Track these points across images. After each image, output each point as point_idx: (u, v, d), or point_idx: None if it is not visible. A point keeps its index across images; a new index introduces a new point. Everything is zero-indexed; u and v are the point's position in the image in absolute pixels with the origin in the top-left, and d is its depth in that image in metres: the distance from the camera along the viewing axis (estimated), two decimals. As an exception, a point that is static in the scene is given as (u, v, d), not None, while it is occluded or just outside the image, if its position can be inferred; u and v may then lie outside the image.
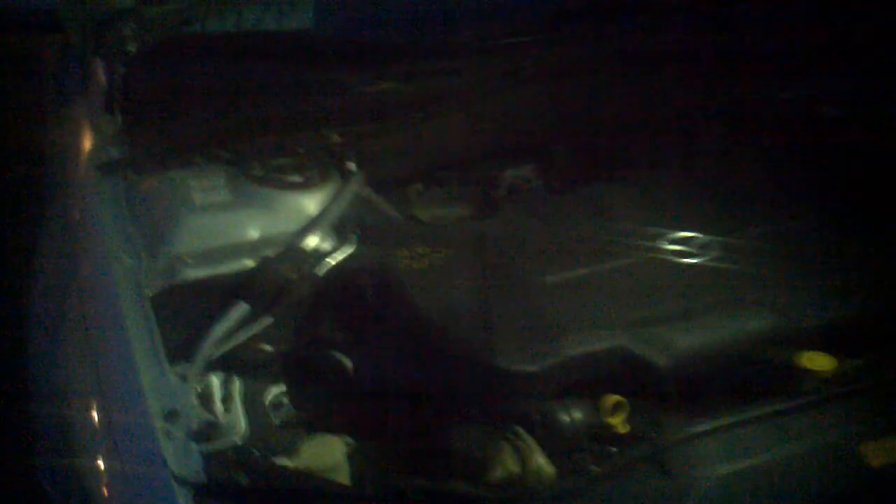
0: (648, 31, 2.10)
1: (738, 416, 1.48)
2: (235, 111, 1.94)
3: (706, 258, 1.74)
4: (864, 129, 2.01)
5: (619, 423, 1.53)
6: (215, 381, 1.65)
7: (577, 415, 1.54)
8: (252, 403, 1.65)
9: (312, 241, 1.76)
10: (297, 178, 1.86)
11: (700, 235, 1.76)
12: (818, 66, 2.11)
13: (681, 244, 1.76)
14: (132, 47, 1.90)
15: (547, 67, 2.02)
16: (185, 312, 1.68)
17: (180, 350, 1.60)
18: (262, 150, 1.89)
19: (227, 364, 1.66)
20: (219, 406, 1.60)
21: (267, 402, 1.69)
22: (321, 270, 1.74)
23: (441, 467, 1.51)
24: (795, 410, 1.50)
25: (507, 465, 1.49)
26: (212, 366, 1.64)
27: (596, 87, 2.06)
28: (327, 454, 1.55)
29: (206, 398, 1.60)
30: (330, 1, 2.15)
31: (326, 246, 1.77)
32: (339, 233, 1.80)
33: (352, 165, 1.91)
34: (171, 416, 1.44)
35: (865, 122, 2.05)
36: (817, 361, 1.57)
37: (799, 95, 2.09)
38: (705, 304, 1.64)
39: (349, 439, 1.56)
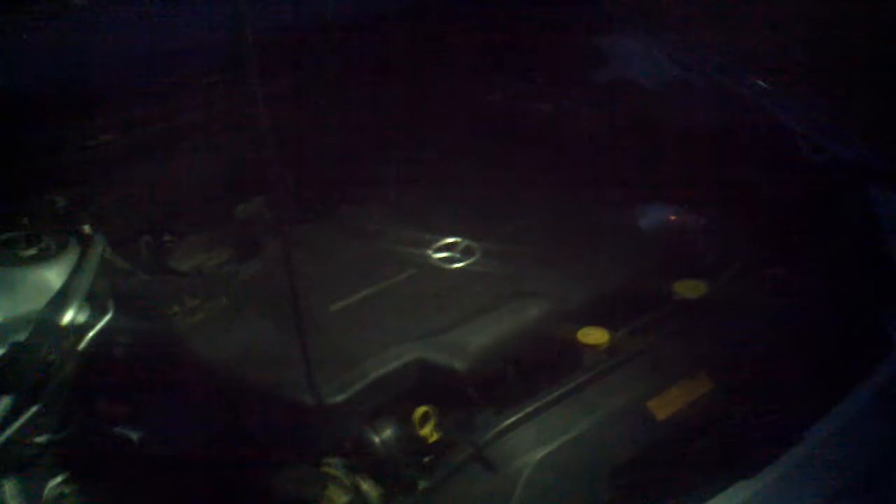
0: (364, 51, 2.15)
1: (539, 401, 1.55)
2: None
3: (470, 261, 1.82)
4: (570, 120, 2.20)
5: (430, 432, 1.56)
6: None
7: (388, 433, 1.56)
8: (31, 501, 1.52)
9: (66, 316, 1.62)
10: (30, 251, 1.71)
11: (459, 240, 1.85)
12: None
13: (444, 251, 1.84)
14: None
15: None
16: (-63, 420, 1.50)
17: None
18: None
19: None
20: None
21: (46, 497, 1.56)
22: (83, 345, 1.61)
23: (269, 520, 1.47)
24: (585, 384, 1.60)
25: (334, 499, 1.48)
26: None
27: (318, 111, 2.07)
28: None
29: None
30: (17, 56, 1.98)
31: (82, 318, 1.64)
32: (93, 302, 1.67)
33: (87, 228, 1.79)
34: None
35: (570, 114, 2.24)
36: (593, 336, 1.69)
37: (511, 95, 2.24)
38: (484, 303, 1.71)
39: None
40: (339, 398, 1.50)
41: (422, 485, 1.50)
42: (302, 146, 2.09)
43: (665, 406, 1.59)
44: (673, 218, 2.00)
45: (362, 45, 2.13)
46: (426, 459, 1.55)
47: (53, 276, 1.68)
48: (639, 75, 2.40)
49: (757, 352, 1.67)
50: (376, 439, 1.55)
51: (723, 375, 1.62)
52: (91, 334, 1.62)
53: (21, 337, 1.59)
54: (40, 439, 1.57)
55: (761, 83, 2.27)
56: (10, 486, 1.51)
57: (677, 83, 2.36)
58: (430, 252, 1.84)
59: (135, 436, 1.58)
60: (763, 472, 1.43)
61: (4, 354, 1.58)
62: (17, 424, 1.51)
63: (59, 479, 1.57)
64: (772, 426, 1.53)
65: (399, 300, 1.73)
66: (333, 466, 1.51)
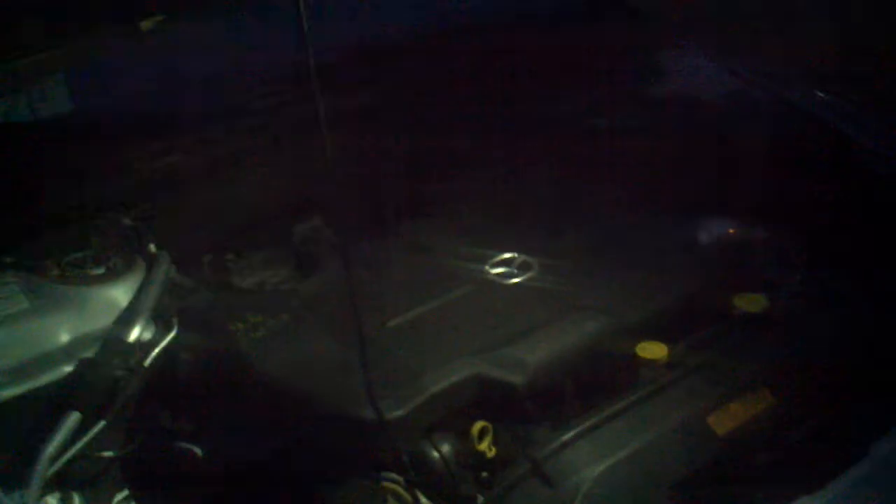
0: (422, 69, 2.18)
1: (597, 416, 1.56)
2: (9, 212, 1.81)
3: (527, 276, 1.83)
4: (628, 134, 2.19)
5: (488, 447, 1.57)
6: (52, 501, 1.54)
7: (446, 448, 1.57)
8: (96, 515, 1.56)
9: (132, 333, 1.66)
10: (98, 271, 1.76)
11: (516, 255, 1.86)
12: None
13: (502, 266, 1.85)
14: None
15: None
16: (10, 434, 1.54)
17: (14, 476, 1.47)
18: (53, 248, 1.78)
19: (64, 479, 1.55)
20: None
21: None
22: (148, 361, 1.65)
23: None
24: (644, 399, 1.60)
25: (392, 513, 1.50)
26: (49, 485, 1.52)
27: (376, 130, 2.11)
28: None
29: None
30: (88, 81, 2.05)
31: (148, 335, 1.68)
32: (159, 319, 1.71)
33: (153, 247, 1.84)
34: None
35: (627, 128, 2.24)
36: (651, 350, 1.68)
37: (568, 111, 2.24)
38: (541, 317, 1.71)
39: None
40: (398, 413, 1.51)
41: (480, 500, 1.51)
42: (361, 164, 2.13)
43: (725, 421, 1.59)
44: (732, 231, 1.99)
45: (420, 63, 2.17)
46: (484, 474, 1.54)
47: (121, 294, 1.73)
48: (697, 89, 2.39)
49: (819, 366, 1.65)
50: (435, 454, 1.56)
51: (784, 390, 1.61)
52: (156, 351, 1.66)
53: (90, 354, 1.64)
54: (107, 454, 1.61)
55: (822, 94, 2.24)
56: (78, 500, 1.56)
57: (737, 96, 2.35)
58: (487, 267, 1.85)
59: (198, 451, 1.63)
60: (825, 488, 1.40)
61: (74, 371, 1.63)
62: (85, 439, 1.55)
63: (124, 493, 1.62)
64: (834, 442, 1.51)
65: (456, 315, 1.73)
66: (392, 481, 1.53)
